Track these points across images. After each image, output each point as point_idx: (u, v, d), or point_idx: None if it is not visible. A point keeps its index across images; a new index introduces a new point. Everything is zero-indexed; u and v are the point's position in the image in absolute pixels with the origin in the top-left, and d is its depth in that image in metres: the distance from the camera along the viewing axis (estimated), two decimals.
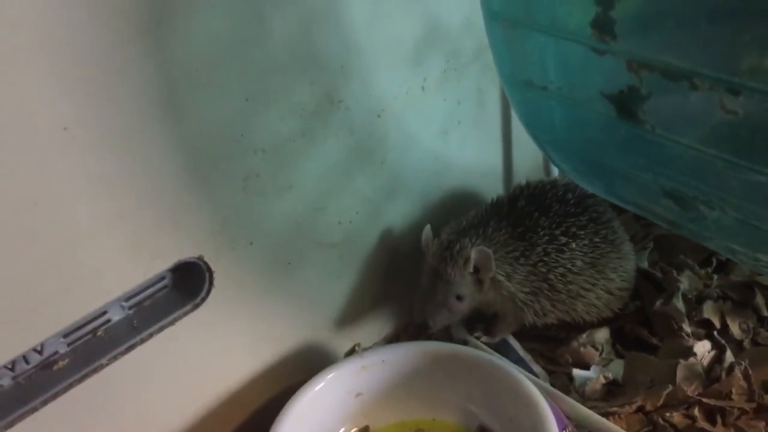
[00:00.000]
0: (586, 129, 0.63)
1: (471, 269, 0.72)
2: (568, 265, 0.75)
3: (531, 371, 0.80)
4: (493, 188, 0.93)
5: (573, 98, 0.61)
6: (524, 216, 0.76)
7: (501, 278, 0.73)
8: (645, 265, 0.90)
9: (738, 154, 0.51)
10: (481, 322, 0.81)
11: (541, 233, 0.75)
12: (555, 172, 0.96)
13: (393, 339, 0.87)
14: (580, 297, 0.77)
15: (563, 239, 0.75)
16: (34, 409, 0.58)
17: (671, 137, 0.54)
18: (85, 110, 0.53)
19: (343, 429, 0.71)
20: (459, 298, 0.73)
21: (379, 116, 0.75)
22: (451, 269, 0.72)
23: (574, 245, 0.76)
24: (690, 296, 0.84)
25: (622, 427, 0.69)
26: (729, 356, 0.76)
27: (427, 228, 0.77)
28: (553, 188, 0.81)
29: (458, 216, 0.82)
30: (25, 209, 0.52)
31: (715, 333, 0.80)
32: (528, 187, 0.81)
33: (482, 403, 0.70)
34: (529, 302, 0.74)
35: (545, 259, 0.74)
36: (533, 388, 0.66)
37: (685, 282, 0.86)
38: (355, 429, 0.71)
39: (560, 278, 0.75)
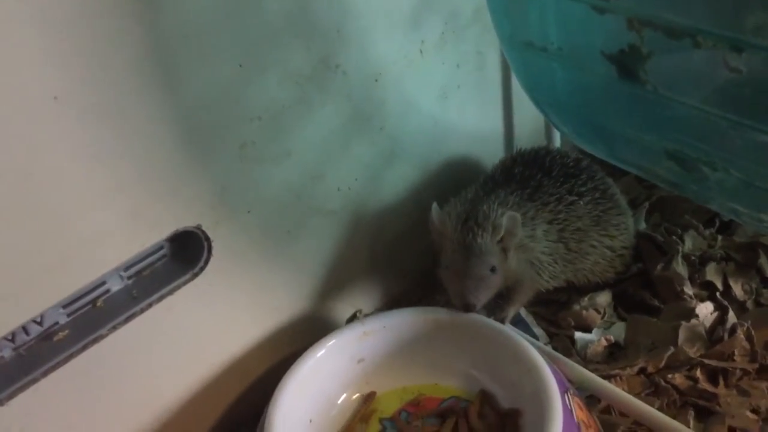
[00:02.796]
0: (587, 91, 0.62)
1: (499, 237, 0.69)
2: (578, 223, 0.75)
3: (532, 334, 0.80)
4: (493, 153, 0.92)
5: (573, 59, 0.60)
6: (528, 179, 0.76)
7: (526, 241, 0.72)
8: (643, 226, 0.90)
9: (741, 113, 0.50)
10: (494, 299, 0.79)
11: (549, 192, 0.74)
12: (556, 135, 0.95)
13: (394, 305, 0.87)
14: (587, 255, 0.77)
15: (570, 198, 0.75)
16: (35, 380, 0.58)
17: (673, 97, 0.53)
18: (76, 79, 0.52)
19: (345, 395, 0.71)
20: (493, 269, 0.69)
21: (377, 81, 0.74)
22: (481, 239, 0.68)
23: (581, 202, 0.76)
24: (693, 257, 0.84)
25: (623, 389, 0.70)
26: (731, 317, 0.76)
27: (435, 206, 0.72)
28: (549, 153, 0.81)
29: (459, 182, 0.82)
30: (21, 181, 0.52)
31: (718, 294, 0.80)
32: (522, 154, 0.81)
33: (484, 367, 0.70)
34: (546, 264, 0.74)
35: (558, 217, 0.74)
36: (535, 352, 0.66)
37: (688, 242, 0.85)
38: (357, 394, 0.71)
39: (573, 236, 0.75)
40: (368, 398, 0.70)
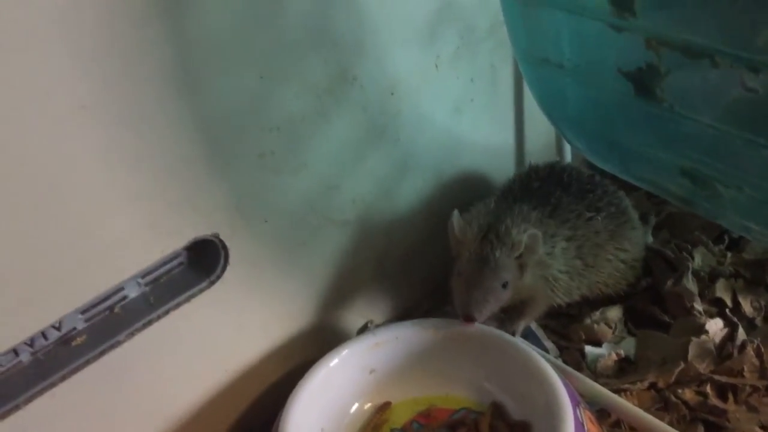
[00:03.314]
0: (602, 107, 0.63)
1: (518, 253, 0.69)
2: (596, 239, 0.75)
3: (543, 347, 0.80)
4: (504, 167, 0.93)
5: (589, 76, 0.61)
6: (547, 195, 0.76)
7: (545, 258, 0.72)
8: (650, 239, 0.91)
9: (757, 132, 0.51)
10: (506, 311, 0.79)
11: (569, 209, 0.75)
12: (567, 150, 0.95)
13: (405, 316, 0.87)
14: (602, 269, 0.78)
15: (588, 214, 0.75)
16: (53, 384, 0.59)
17: (689, 115, 0.54)
18: (101, 89, 0.53)
19: (356, 404, 0.72)
20: (504, 285, 0.68)
21: (392, 94, 0.75)
22: (499, 253, 0.68)
23: (599, 218, 0.76)
24: (703, 274, 0.84)
25: (633, 404, 0.70)
26: (741, 334, 0.77)
27: (456, 214, 0.71)
28: (565, 169, 0.82)
29: (471, 194, 0.83)
30: (44, 188, 0.53)
31: (727, 311, 0.80)
32: (537, 170, 0.81)
33: (495, 379, 0.71)
34: (562, 282, 0.74)
35: (577, 233, 0.74)
36: (546, 365, 0.66)
37: (698, 258, 0.86)
38: (369, 404, 0.72)
39: (590, 252, 0.75)
40: (383, 408, 0.71)
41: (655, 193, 0.71)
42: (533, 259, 0.70)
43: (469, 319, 0.67)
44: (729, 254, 0.87)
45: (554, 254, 0.72)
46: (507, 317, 0.77)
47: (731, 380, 0.72)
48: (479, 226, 0.70)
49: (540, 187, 0.77)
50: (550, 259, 0.72)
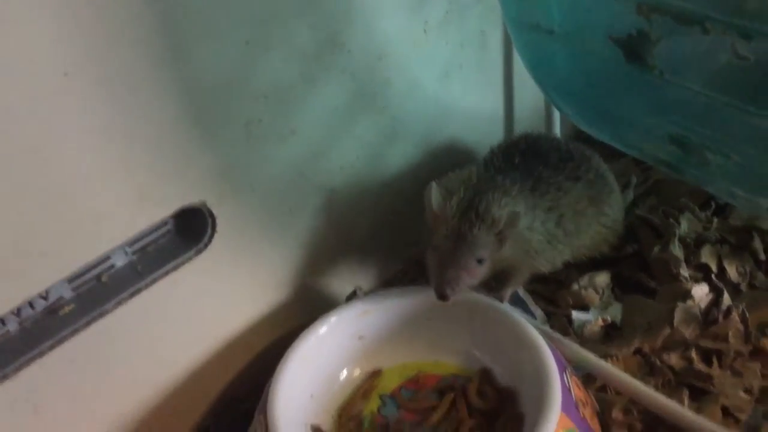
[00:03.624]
0: (593, 74, 0.63)
1: (498, 230, 0.68)
2: (576, 207, 0.75)
3: (530, 313, 0.80)
4: (493, 134, 0.93)
5: (580, 42, 0.61)
6: (529, 169, 0.75)
7: (525, 232, 0.71)
8: (631, 197, 0.92)
9: (746, 99, 0.51)
10: (494, 278, 0.78)
11: (549, 182, 0.74)
12: (556, 117, 0.95)
13: (393, 282, 0.88)
14: (582, 234, 0.78)
15: (567, 184, 0.75)
16: (41, 354, 0.59)
17: (679, 82, 0.54)
18: (85, 56, 0.52)
19: (346, 371, 0.72)
20: (480, 261, 0.68)
21: (380, 60, 0.74)
22: (477, 230, 0.67)
23: (579, 186, 0.76)
24: (689, 240, 0.84)
25: (620, 369, 0.71)
26: (726, 299, 0.77)
27: (434, 186, 0.69)
28: (546, 140, 0.81)
29: (459, 161, 0.82)
30: (28, 156, 0.52)
31: (713, 276, 0.81)
32: (518, 142, 0.81)
33: (484, 346, 0.71)
34: (542, 251, 0.74)
35: (558, 203, 0.74)
36: (534, 331, 0.67)
37: (684, 225, 0.86)
38: (358, 370, 0.72)
39: (571, 220, 0.75)
40: (374, 375, 0.71)
41: (643, 159, 0.72)
42: (513, 233, 0.69)
43: (443, 298, 0.67)
44: (715, 220, 0.87)
45: (534, 227, 0.72)
46: (495, 284, 0.77)
47: (716, 345, 0.73)
48: (458, 201, 0.68)
49: (522, 161, 0.76)
50: (530, 232, 0.71)
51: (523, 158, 0.76)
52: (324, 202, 0.76)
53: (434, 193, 0.68)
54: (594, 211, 0.79)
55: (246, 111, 0.64)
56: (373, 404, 0.70)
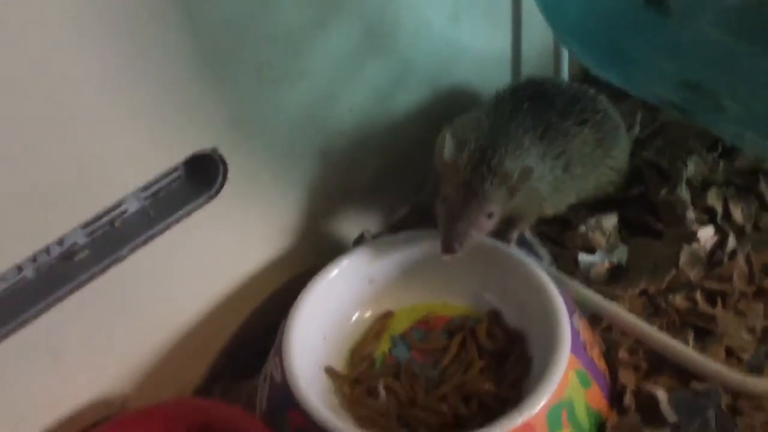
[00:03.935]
0: (608, 16, 0.62)
1: (509, 184, 0.67)
2: (583, 150, 0.75)
3: (536, 254, 0.81)
4: (500, 75, 0.92)
5: None
6: (539, 115, 0.73)
7: (535, 182, 0.70)
8: (637, 130, 0.92)
9: (765, 42, 0.51)
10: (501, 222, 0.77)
11: (557, 129, 0.73)
12: (564, 59, 0.93)
13: (401, 225, 0.88)
14: (589, 176, 0.78)
15: (576, 128, 0.75)
16: (60, 299, 0.59)
17: (697, 26, 0.53)
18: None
19: (357, 313, 0.73)
20: (490, 215, 0.67)
21: (390, 1, 0.73)
22: (489, 185, 0.66)
23: (585, 130, 0.76)
24: (695, 182, 0.85)
25: (625, 310, 0.72)
26: (731, 241, 0.78)
27: (448, 136, 0.68)
28: (553, 84, 0.80)
29: (468, 103, 0.82)
30: (39, 104, 0.52)
31: (718, 219, 0.81)
32: (527, 85, 0.79)
33: (493, 288, 0.72)
34: (549, 196, 0.74)
35: (566, 148, 0.73)
36: (543, 273, 0.68)
37: (691, 167, 0.86)
38: (369, 313, 0.73)
39: (578, 163, 0.75)
40: (385, 316, 0.73)
41: (655, 103, 0.71)
42: (524, 186, 0.68)
43: (450, 252, 0.66)
44: (722, 162, 0.87)
45: (543, 176, 0.71)
46: (502, 226, 0.77)
47: (721, 287, 0.74)
48: (470, 152, 0.67)
49: (530, 106, 0.74)
50: (539, 181, 0.71)
51: (532, 104, 0.75)
52: (333, 146, 0.76)
53: (447, 142, 0.67)
54: (601, 153, 0.79)
55: (257, 55, 0.63)
56: (385, 345, 0.71)
